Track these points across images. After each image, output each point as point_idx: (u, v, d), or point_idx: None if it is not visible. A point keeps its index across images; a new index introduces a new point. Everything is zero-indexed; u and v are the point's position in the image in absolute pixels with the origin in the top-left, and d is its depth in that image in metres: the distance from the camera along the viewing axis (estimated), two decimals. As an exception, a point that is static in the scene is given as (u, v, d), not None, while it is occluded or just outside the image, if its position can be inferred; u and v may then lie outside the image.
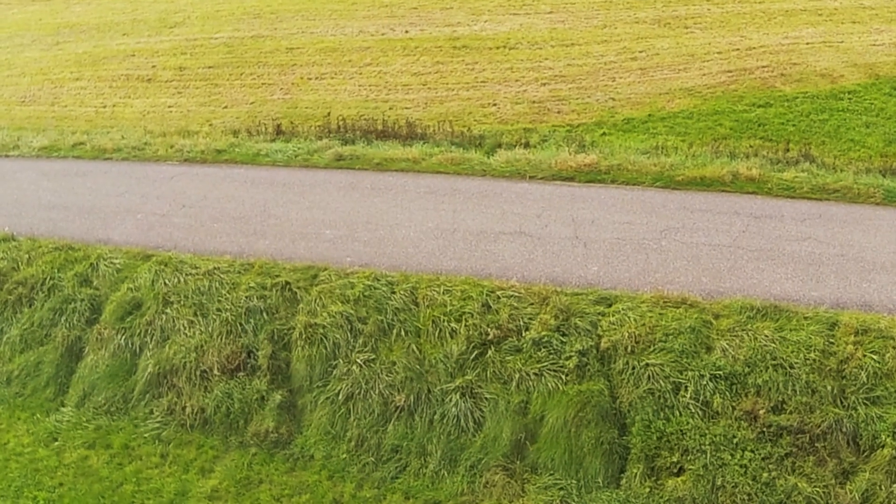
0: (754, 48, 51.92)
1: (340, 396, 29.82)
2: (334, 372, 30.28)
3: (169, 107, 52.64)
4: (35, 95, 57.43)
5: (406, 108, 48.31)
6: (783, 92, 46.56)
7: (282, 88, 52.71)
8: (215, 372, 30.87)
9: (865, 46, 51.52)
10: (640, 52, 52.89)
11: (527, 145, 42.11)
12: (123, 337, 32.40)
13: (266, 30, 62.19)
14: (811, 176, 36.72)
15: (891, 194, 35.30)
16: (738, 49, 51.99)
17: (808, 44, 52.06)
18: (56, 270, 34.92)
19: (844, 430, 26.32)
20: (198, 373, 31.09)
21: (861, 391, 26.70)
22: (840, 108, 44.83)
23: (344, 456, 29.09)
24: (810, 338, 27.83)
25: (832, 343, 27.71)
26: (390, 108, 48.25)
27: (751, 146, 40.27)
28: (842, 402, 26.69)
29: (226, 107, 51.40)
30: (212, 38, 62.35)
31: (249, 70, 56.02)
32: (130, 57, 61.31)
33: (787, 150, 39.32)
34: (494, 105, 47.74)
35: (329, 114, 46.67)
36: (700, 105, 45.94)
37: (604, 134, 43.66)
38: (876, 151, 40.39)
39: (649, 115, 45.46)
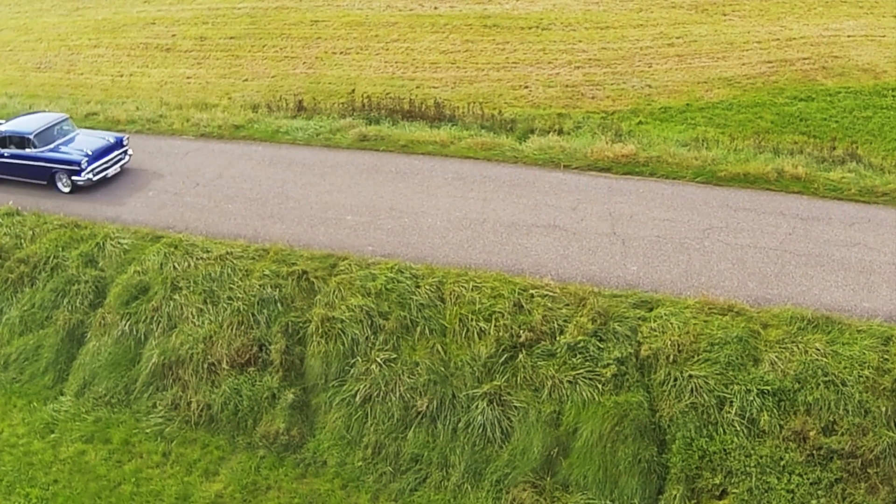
0: (794, 39, 50.55)
1: (358, 398, 28.32)
2: (352, 371, 28.79)
3: (187, 78, 51.70)
4: (52, 62, 56.70)
5: (434, 87, 47.09)
6: (825, 86, 45.13)
7: (305, 62, 51.55)
8: (224, 365, 29.54)
9: (908, 41, 49.72)
10: (678, 38, 51.60)
11: (560, 132, 40.67)
12: (128, 323, 31.10)
13: (290, 1, 60.99)
14: (858, 177, 35.09)
15: (942, 200, 33.45)
16: (777, 39, 50.67)
17: (849, 36, 50.70)
18: (60, 249, 33.74)
19: None
20: (205, 366, 29.74)
21: (918, 412, 24.81)
22: (884, 106, 43.35)
23: (359, 464, 27.63)
24: (864, 353, 26.05)
25: (887, 360, 25.92)
26: (417, 87, 47.08)
27: (795, 142, 38.71)
28: None
29: (246, 80, 50.30)
30: (235, 7, 61.26)
31: (272, 42, 54.93)
32: (150, 25, 60.43)
33: (833, 149, 37.68)
34: (526, 87, 46.46)
35: (353, 91, 45.47)
36: (740, 96, 44.59)
37: (640, 122, 42.33)
38: None
39: (687, 104, 44.11)
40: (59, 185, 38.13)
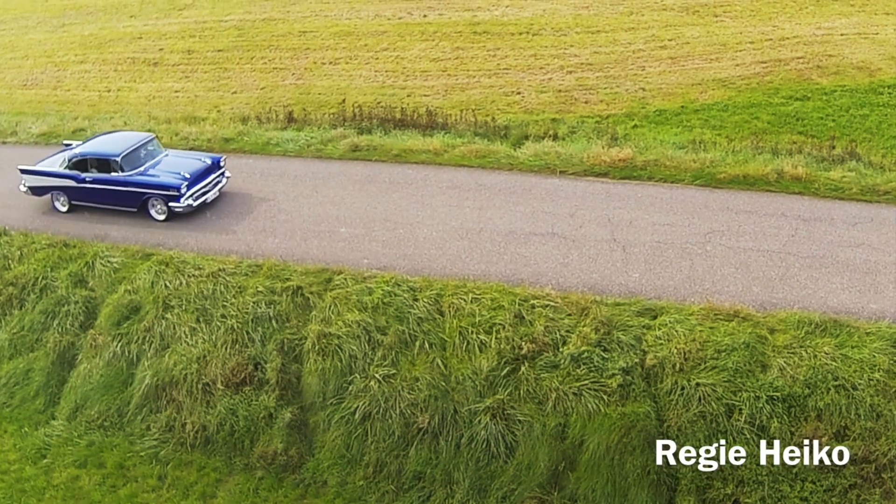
0: (787, 38, 50.16)
1: (357, 416, 27.71)
2: (350, 388, 28.16)
3: (175, 91, 51.15)
4: (38, 79, 56.17)
5: (425, 95, 46.55)
6: (820, 85, 44.72)
7: (294, 73, 51.01)
8: (219, 385, 28.94)
9: (901, 39, 49.50)
10: (670, 40, 51.14)
11: (555, 137, 40.19)
12: (119, 344, 30.48)
13: (278, 12, 60.65)
14: (859, 176, 34.67)
15: (945, 198, 33.06)
16: (770, 39, 50.26)
17: (842, 35, 50.32)
18: (49, 269, 33.14)
19: None
20: (199, 386, 29.15)
21: (930, 415, 24.31)
22: (880, 104, 42.91)
23: (361, 483, 27.11)
24: (874, 356, 25.53)
25: (897, 362, 25.23)
26: (408, 96, 46.54)
27: (793, 142, 38.26)
28: None
29: (235, 92, 49.76)
30: (222, 20, 60.88)
31: (260, 54, 54.44)
32: (137, 39, 60.03)
33: (833, 148, 37.26)
34: (518, 93, 45.95)
35: (344, 100, 44.98)
36: (735, 97, 44.12)
37: (635, 126, 41.79)
38: None
39: (682, 106, 43.60)
40: (153, 212, 35.54)
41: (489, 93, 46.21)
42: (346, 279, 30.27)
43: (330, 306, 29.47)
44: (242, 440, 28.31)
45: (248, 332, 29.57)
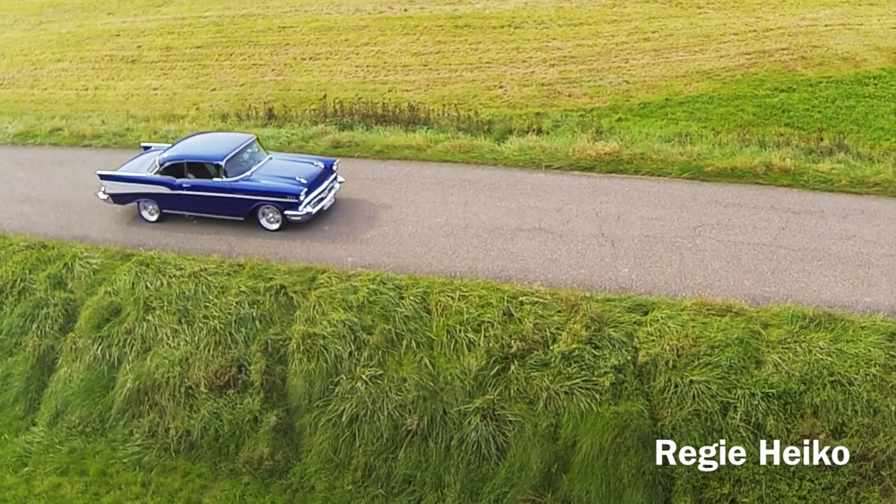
0: (771, 30, 50.22)
1: (344, 418, 27.19)
2: (336, 389, 27.61)
3: (154, 89, 50.81)
4: (14, 78, 55.73)
5: (406, 90, 46.38)
6: (805, 76, 44.87)
7: (274, 69, 50.74)
8: (202, 389, 28.38)
9: (886, 29, 49.94)
10: (653, 32, 51.14)
11: (539, 131, 39.88)
12: (100, 347, 29.90)
13: (257, 8, 60.32)
14: (848, 168, 34.45)
15: (935, 188, 32.87)
16: (754, 30, 50.32)
17: (826, 26, 50.46)
18: (27, 271, 32.51)
19: None
20: (182, 389, 28.61)
21: (928, 410, 24.01)
22: (866, 95, 43.12)
23: (349, 487, 26.64)
24: (869, 350, 25.13)
25: (893, 356, 25.02)
26: (389, 91, 46.37)
27: (781, 134, 38.21)
28: None
29: (214, 89, 49.44)
30: (201, 16, 60.48)
31: (240, 50, 54.17)
32: (115, 37, 59.59)
33: (821, 140, 37.06)
34: (501, 87, 45.85)
35: (325, 96, 44.64)
36: (720, 89, 44.15)
37: (620, 119, 41.74)
38: None
39: (666, 99, 43.60)
40: (263, 220, 33.06)
41: (471, 87, 46.07)
42: (330, 277, 29.78)
43: (314, 306, 28.97)
44: (227, 445, 27.85)
45: (231, 334, 29.07)
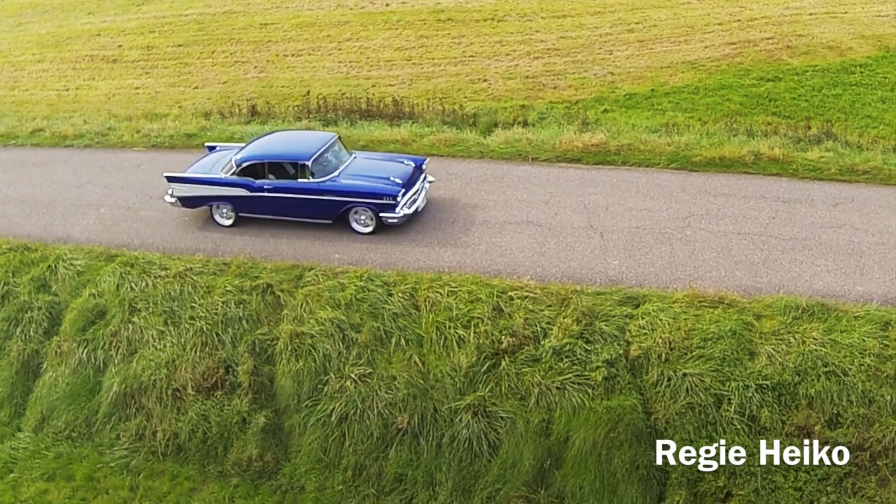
0: (756, 19, 50.14)
1: (333, 417, 26.94)
2: (325, 389, 27.35)
3: (136, 88, 50.26)
4: (-7, 80, 54.73)
5: (390, 85, 46.03)
6: (791, 65, 44.79)
7: (256, 66, 50.34)
8: (189, 391, 28.08)
9: (870, 17, 49.93)
10: (637, 23, 50.96)
11: (525, 124, 39.70)
12: (85, 350, 29.52)
13: (239, 5, 59.78)
14: (837, 156, 34.42)
15: (925, 176, 32.77)
16: (738, 20, 50.18)
17: (811, 14, 50.40)
18: (10, 275, 32.03)
19: None
20: (169, 392, 28.29)
21: (922, 399, 23.86)
22: (853, 83, 43.07)
23: (339, 487, 26.43)
24: (864, 340, 25.03)
25: (887, 346, 24.93)
26: (373, 86, 45.95)
27: (768, 123, 38.07)
28: None
29: (196, 87, 48.97)
30: (182, 14, 59.94)
31: (221, 48, 53.64)
32: (96, 37, 58.98)
33: (809, 129, 37.03)
34: (485, 81, 45.49)
35: (308, 93, 44.24)
36: (705, 79, 43.97)
37: (605, 111, 41.45)
38: (895, 128, 38.42)
39: (652, 89, 43.39)
40: (355, 224, 31.58)
41: (455, 81, 45.78)
42: (317, 275, 29.50)
43: (302, 304, 28.71)
44: (216, 447, 27.60)
45: (217, 334, 28.77)
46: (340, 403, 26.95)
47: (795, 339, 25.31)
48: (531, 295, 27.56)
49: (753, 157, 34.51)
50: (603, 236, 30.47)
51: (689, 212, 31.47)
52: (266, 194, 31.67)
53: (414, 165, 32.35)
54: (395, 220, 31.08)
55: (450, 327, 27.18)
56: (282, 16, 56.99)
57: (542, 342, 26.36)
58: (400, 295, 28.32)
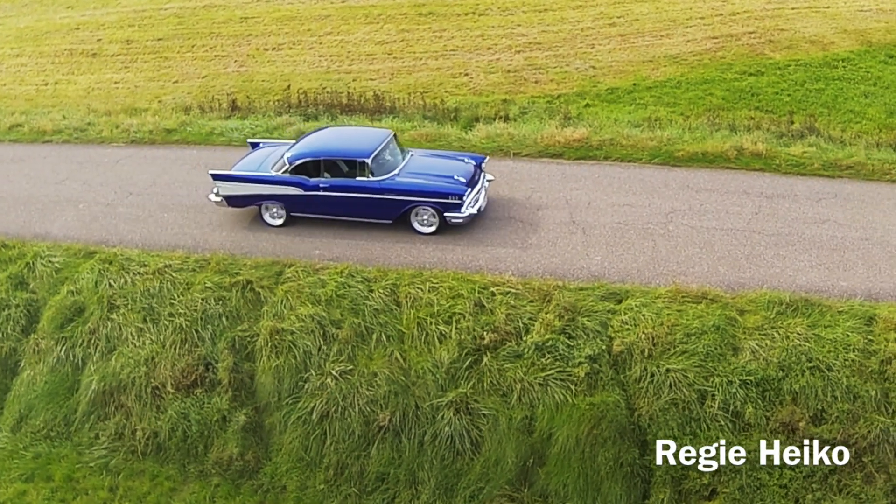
0: (738, 13, 50.10)
1: (314, 415, 26.66)
2: (306, 386, 27.08)
3: (115, 83, 49.89)
4: (-29, 75, 54.41)
5: (371, 79, 45.79)
6: (773, 59, 44.76)
7: (236, 61, 50.05)
8: (169, 389, 27.75)
9: (853, 12, 49.96)
10: (619, 17, 50.86)
11: (506, 118, 39.58)
12: (64, 348, 29.16)
13: (218, -1, 59.10)
14: (820, 151, 34.43)
15: (908, 171, 32.72)
16: (721, 14, 50.16)
17: (793, 8, 50.36)
18: (-12, 272, 31.49)
19: (892, 440, 23.51)
20: (149, 390, 27.96)
21: (907, 395, 23.73)
22: (835, 77, 43.12)
23: (321, 486, 26.13)
24: (847, 335, 24.95)
25: (871, 341, 24.86)
26: (354, 80, 45.74)
27: (751, 118, 37.98)
28: (887, 409, 23.91)
29: (176, 81, 48.64)
30: (161, 8, 59.57)
31: (201, 42, 53.32)
32: (75, 31, 58.52)
33: (792, 123, 36.98)
34: (466, 75, 45.35)
35: (288, 87, 44.04)
36: (687, 73, 43.90)
37: (587, 105, 41.33)
38: (878, 123, 38.48)
39: (634, 84, 43.32)
40: (417, 224, 30.70)
41: (436, 75, 45.64)
42: (297, 271, 29.24)
43: (282, 300, 28.45)
44: (196, 446, 27.30)
45: (197, 331, 28.47)
46: (321, 401, 26.69)
47: (779, 334, 25.19)
48: (513, 290, 27.36)
49: (736, 152, 34.43)
50: (585, 231, 30.31)
51: (672, 207, 31.34)
52: (322, 193, 30.79)
53: (474, 163, 31.65)
54: (460, 220, 30.25)
55: (431, 323, 26.95)
56: (262, 9, 56.77)
57: (524, 338, 26.16)
58: (381, 291, 28.08)
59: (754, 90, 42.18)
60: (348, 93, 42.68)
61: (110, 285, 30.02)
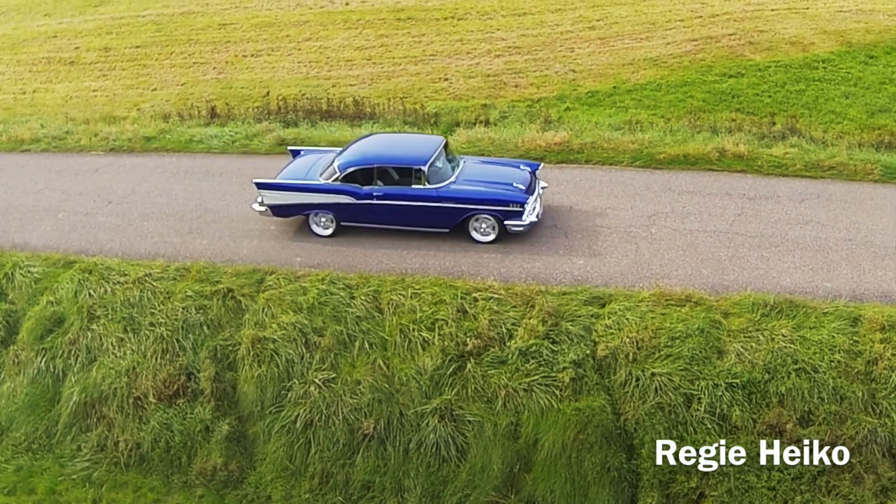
0: (717, 15, 50.16)
1: (298, 424, 26.46)
2: (289, 395, 26.89)
3: (93, 91, 49.66)
4: (-52, 84, 54.07)
5: (351, 84, 45.73)
6: (754, 61, 44.80)
7: (215, 67, 49.91)
8: (151, 399, 27.54)
9: (832, 13, 49.97)
10: (598, 20, 50.88)
11: (487, 123, 39.47)
12: (44, 359, 28.93)
13: (197, 5, 59.28)
14: (802, 152, 34.40)
15: (889, 171, 32.95)
16: (700, 16, 50.22)
17: (772, 10, 50.45)
18: (-34, 284, 31.19)
19: (879, 440, 23.49)
20: (130, 401, 27.76)
21: (893, 395, 23.89)
22: (816, 78, 43.10)
23: (306, 496, 25.95)
24: (833, 337, 24.91)
25: (857, 341, 24.85)
26: (333, 86, 45.64)
27: (732, 120, 37.92)
28: (873, 409, 23.89)
29: (155, 89, 48.42)
30: (139, 15, 59.46)
31: (180, 49, 53.15)
32: (52, 38, 58.33)
33: (773, 125, 36.99)
34: (446, 80, 45.29)
35: (268, 93, 43.98)
36: (667, 76, 43.90)
37: (567, 108, 41.22)
38: (859, 124, 38.50)
39: (614, 87, 43.26)
40: (475, 232, 29.99)
41: (416, 80, 45.57)
42: (278, 279, 29.04)
43: (263, 308, 28.25)
44: (179, 456, 27.08)
45: (178, 341, 28.25)
46: (305, 409, 26.51)
47: (764, 336, 25.13)
48: (495, 296, 27.24)
49: (718, 153, 34.37)
50: (567, 235, 30.23)
51: (654, 210, 31.26)
52: (375, 202, 30.07)
53: (530, 170, 31.07)
54: (521, 229, 29.59)
55: (414, 330, 26.80)
56: (240, 16, 56.66)
57: (508, 343, 26.03)
58: (363, 298, 27.90)
59: (735, 92, 42.15)
60: (328, 99, 42.54)
61: (90, 295, 29.75)
